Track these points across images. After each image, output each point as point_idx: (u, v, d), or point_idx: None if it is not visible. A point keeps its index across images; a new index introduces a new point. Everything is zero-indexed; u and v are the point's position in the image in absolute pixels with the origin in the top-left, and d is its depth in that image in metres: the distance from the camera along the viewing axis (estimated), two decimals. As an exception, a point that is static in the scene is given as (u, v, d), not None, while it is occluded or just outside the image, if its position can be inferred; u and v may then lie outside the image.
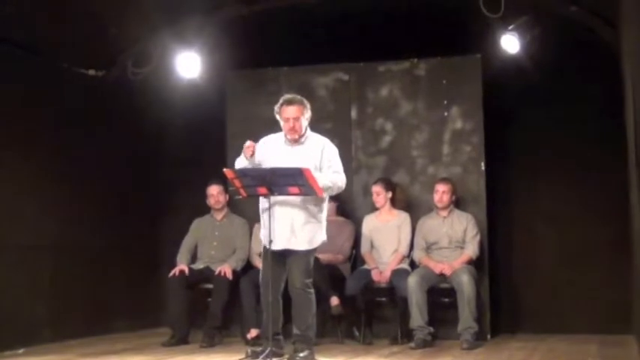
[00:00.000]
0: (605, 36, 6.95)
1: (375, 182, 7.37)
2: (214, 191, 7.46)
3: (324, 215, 5.91)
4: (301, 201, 5.75)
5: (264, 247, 5.87)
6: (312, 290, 5.87)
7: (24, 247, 6.99)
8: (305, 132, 5.92)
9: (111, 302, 7.79)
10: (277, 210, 5.77)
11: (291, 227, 5.77)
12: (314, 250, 5.91)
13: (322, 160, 5.86)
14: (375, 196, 7.30)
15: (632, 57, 5.59)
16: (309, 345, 5.86)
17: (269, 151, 5.91)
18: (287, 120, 5.84)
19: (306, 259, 5.84)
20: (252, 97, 7.82)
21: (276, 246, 5.77)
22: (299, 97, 5.95)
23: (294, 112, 5.82)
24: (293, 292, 5.85)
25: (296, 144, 5.90)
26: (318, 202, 5.82)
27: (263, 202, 5.84)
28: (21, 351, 6.65)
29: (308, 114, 5.91)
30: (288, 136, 5.89)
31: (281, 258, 5.85)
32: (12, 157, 6.95)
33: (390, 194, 7.30)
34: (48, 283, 7.25)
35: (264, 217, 5.85)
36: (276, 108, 5.90)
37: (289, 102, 5.85)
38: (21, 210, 7.01)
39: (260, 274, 6.01)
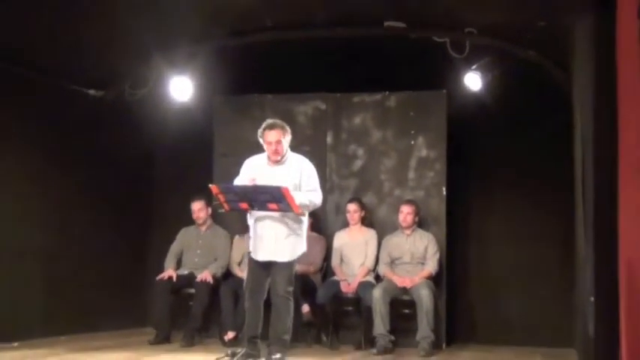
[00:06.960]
0: (558, 77, 7.13)
1: (351, 201, 7.49)
2: (195, 207, 7.64)
3: (304, 229, 6.06)
4: (284, 217, 5.92)
5: (250, 257, 6.05)
6: (292, 298, 5.99)
7: (19, 253, 7.08)
8: (286, 153, 6.07)
9: (100, 303, 7.83)
10: (263, 225, 5.97)
11: (275, 241, 5.93)
12: (296, 260, 6.06)
13: (301, 178, 6.01)
14: (351, 214, 7.42)
15: (581, 97, 5.76)
16: (283, 349, 5.97)
17: (253, 171, 6.06)
18: (269, 144, 5.99)
19: (289, 269, 5.99)
20: (238, 121, 7.90)
21: (261, 257, 5.97)
22: (280, 121, 6.10)
23: (275, 136, 5.99)
24: (275, 298, 5.96)
25: (277, 164, 6.05)
26: (299, 218, 5.98)
27: (250, 218, 6.03)
28: (15, 344, 6.80)
29: (288, 136, 6.06)
30: (271, 158, 6.04)
31: (265, 267, 6.02)
32: (8, 167, 7.05)
33: (363, 213, 7.50)
34: (41, 285, 7.35)
35: (251, 230, 6.05)
36: (259, 132, 6.04)
37: (271, 127, 6.01)
38: (17, 217, 7.13)
39: (245, 281, 6.20)
